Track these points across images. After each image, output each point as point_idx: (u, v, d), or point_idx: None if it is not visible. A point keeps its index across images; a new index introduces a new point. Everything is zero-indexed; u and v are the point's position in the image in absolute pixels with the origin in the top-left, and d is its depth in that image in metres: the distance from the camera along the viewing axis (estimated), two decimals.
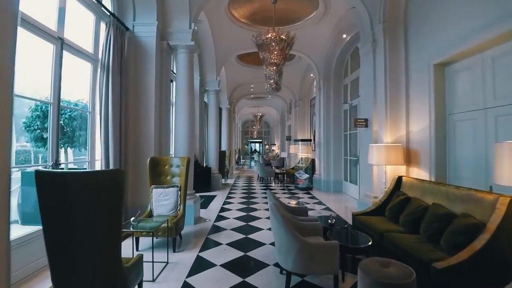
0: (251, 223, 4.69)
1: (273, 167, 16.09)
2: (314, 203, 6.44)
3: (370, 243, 2.70)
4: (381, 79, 4.72)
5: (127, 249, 3.40)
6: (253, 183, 9.67)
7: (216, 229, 4.38)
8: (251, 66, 11.09)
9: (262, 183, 9.61)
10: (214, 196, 7.09)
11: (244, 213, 5.36)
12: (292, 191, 8.16)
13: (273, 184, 9.41)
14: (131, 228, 2.88)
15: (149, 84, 4.52)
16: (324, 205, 6.23)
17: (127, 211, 4.33)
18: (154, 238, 3.44)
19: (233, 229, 4.35)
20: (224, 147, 11.61)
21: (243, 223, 4.69)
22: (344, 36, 7.15)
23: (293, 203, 6.49)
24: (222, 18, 7.00)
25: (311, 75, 10.66)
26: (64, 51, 3.37)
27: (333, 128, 8.12)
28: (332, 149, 8.10)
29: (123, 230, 2.87)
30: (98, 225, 1.70)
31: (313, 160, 8.99)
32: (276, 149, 23.59)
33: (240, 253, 3.39)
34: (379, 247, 3.08)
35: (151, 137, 4.47)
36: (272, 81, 6.65)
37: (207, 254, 3.36)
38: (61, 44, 3.31)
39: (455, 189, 2.98)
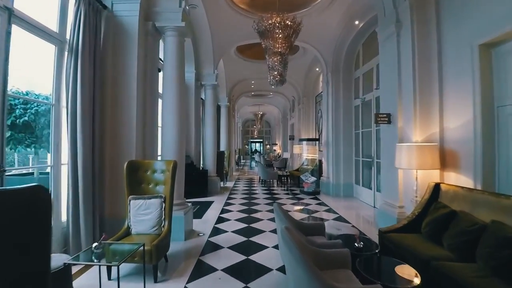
0: (253, 239, 3.94)
1: (275, 168, 15.37)
2: (324, 210, 5.69)
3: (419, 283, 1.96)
4: (407, 66, 3.97)
5: (92, 278, 2.67)
6: (255, 186, 8.93)
7: (211, 247, 3.64)
8: (251, 61, 10.35)
9: (264, 186, 8.87)
10: (211, 203, 6.34)
11: (244, 225, 4.62)
12: (297, 195, 7.41)
13: (276, 187, 8.67)
14: (93, 259, 2.14)
15: (130, 73, 3.78)
16: (336, 213, 5.48)
17: (104, 224, 3.61)
18: (137, 262, 2.71)
19: (232, 247, 3.61)
20: (223, 148, 10.87)
21: (243, 238, 3.94)
22: (357, 22, 6.39)
23: (297, 208, 5.75)
24: (220, 3, 6.25)
25: (317, 69, 9.92)
26: (15, 26, 2.65)
27: (343, 126, 7.37)
28: (341, 149, 7.35)
29: (76, 262, 2.14)
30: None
31: (319, 162, 8.24)
32: (277, 149, 22.83)
33: (240, 285, 2.64)
34: (424, 278, 2.34)
35: (132, 137, 3.73)
36: (276, 72, 5.91)
37: (197, 286, 2.62)
38: (8, 15, 2.57)
39: None
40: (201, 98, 8.26)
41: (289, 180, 9.45)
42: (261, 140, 31.98)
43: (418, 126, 3.83)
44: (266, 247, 3.60)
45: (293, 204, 6.39)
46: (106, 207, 3.68)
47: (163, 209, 3.04)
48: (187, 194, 6.78)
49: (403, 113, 4.08)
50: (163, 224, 3.02)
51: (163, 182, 3.19)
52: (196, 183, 6.88)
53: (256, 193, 7.62)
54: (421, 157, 3.39)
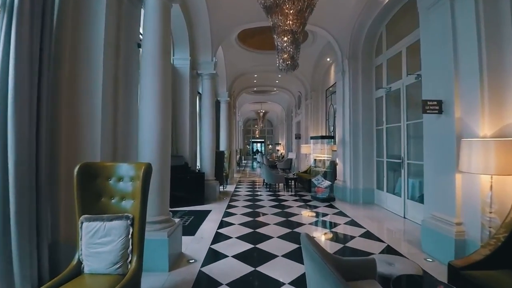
0: (261, 269, 2.93)
1: (279, 170, 14.38)
2: (345, 223, 4.69)
3: None
4: (468, 37, 2.97)
5: None
6: (258, 191, 7.93)
7: (204, 284, 2.64)
8: (254, 51, 9.38)
9: (269, 191, 7.87)
10: (208, 212, 5.35)
11: (249, 245, 3.62)
12: (309, 202, 6.40)
13: (283, 192, 7.67)
14: None
15: (95, 46, 2.79)
16: (360, 226, 4.48)
17: (57, 252, 2.61)
18: None
19: (232, 284, 2.61)
20: (222, 147, 9.88)
21: (249, 268, 2.94)
22: None
23: (308, 213, 4.75)
24: None
25: (328, 59, 8.92)
26: None
27: (362, 121, 6.36)
28: (360, 149, 6.34)
29: None
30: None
31: (333, 163, 7.24)
32: (281, 149, 21.83)
33: None
34: None
35: (96, 132, 2.73)
36: (286, 55, 4.91)
37: None
38: None
39: None
40: (199, 92, 7.28)
41: (296, 184, 8.45)
42: (263, 140, 31.00)
43: (486, 116, 2.83)
44: (283, 284, 2.60)
45: (309, 215, 5.39)
46: (60, 229, 2.68)
47: (129, 235, 2.05)
48: (179, 202, 5.84)
49: (462, 99, 3.07)
50: (129, 258, 2.03)
51: (132, 194, 2.19)
52: (191, 188, 5.89)
53: (260, 200, 6.62)
54: (504, 158, 2.39)
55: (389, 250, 3.48)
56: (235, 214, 5.23)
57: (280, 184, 8.30)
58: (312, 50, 8.78)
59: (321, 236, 4.13)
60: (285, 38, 4.77)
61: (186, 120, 6.24)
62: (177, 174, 5.63)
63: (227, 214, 5.22)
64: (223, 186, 8.18)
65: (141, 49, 3.34)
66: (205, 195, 6.18)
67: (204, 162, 6.57)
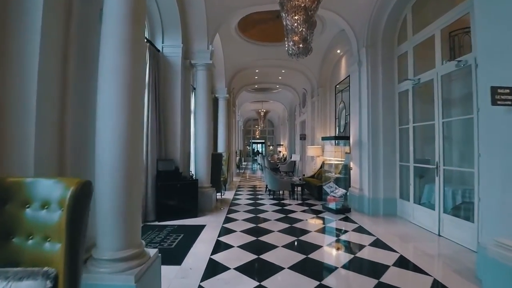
0: None
1: (282, 173, 13.50)
2: (370, 244, 3.80)
3: None
4: None
5: None
6: (261, 198, 7.05)
7: None
8: (255, 43, 8.53)
9: (273, 199, 7.00)
10: (201, 228, 4.47)
11: (253, 281, 2.74)
12: (320, 214, 5.53)
13: (289, 200, 6.80)
14: None
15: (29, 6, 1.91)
16: (391, 249, 3.59)
17: None
18: None
19: None
20: (221, 149, 9.02)
21: None
22: None
23: (323, 230, 3.87)
24: None
25: (338, 51, 8.07)
26: None
27: (383, 120, 5.50)
28: (381, 151, 5.48)
29: None
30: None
31: (346, 167, 6.36)
32: (283, 150, 20.96)
33: None
34: None
35: (28, 131, 1.85)
36: (297, 37, 4.04)
37: None
38: None
39: None
40: (193, 87, 6.41)
41: (303, 190, 7.58)
42: (264, 140, 30.14)
43: None
44: None
45: (320, 231, 4.51)
46: None
47: None
48: (168, 215, 4.87)
49: None
50: None
51: (55, 228, 1.30)
52: (182, 198, 5.02)
53: (264, 211, 5.73)
54: None
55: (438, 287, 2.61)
56: (234, 231, 4.35)
57: (285, 191, 7.43)
58: (321, 41, 7.92)
59: (347, 263, 3.25)
60: (296, 17, 3.90)
61: (177, 118, 5.37)
62: (165, 181, 4.77)
63: (224, 231, 4.34)
64: (221, 193, 7.31)
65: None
66: (199, 206, 5.30)
67: (198, 166, 5.69)
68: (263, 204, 6.30)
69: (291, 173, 13.26)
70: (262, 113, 20.00)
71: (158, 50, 5.28)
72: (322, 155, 8.75)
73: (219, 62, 8.81)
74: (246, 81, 12.14)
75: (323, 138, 6.49)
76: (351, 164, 6.13)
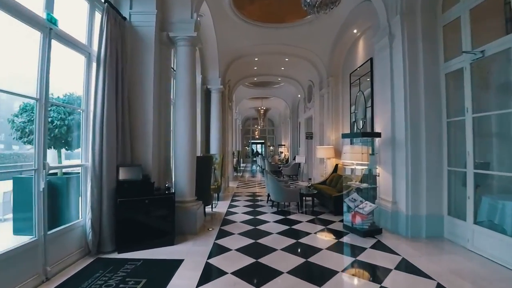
0: None
1: (284, 176, 12.14)
2: None
3: None
4: None
5: None
6: (262, 212, 5.66)
7: None
8: (254, 23, 7.18)
9: (277, 212, 5.62)
10: (176, 266, 3.08)
11: None
12: (341, 237, 4.16)
13: (297, 213, 5.43)
14: None
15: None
16: None
17: None
18: None
19: None
20: (214, 150, 7.67)
21: None
22: None
23: (351, 267, 2.51)
24: None
25: (354, 31, 6.72)
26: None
27: (426, 111, 4.15)
28: (423, 152, 4.12)
29: None
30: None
31: (369, 172, 4.98)
32: (284, 151, 19.59)
33: None
34: None
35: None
36: None
37: None
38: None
39: None
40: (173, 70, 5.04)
41: (313, 200, 6.20)
42: (263, 141, 28.76)
43: None
44: None
45: (355, 272, 3.14)
46: None
47: None
48: (133, 242, 3.37)
49: None
50: None
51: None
52: (153, 218, 3.66)
53: (267, 233, 4.34)
54: None
55: None
56: (225, 272, 2.96)
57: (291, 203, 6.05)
58: (332, 21, 6.56)
59: None
60: None
61: (148, 109, 4.01)
62: (128, 195, 3.43)
63: (208, 272, 2.96)
64: (213, 205, 5.94)
65: None
66: (178, 228, 3.93)
67: (178, 174, 4.30)
68: (265, 222, 4.91)
69: (295, 177, 11.90)
70: (262, 111, 18.64)
71: (124, 18, 3.92)
72: (334, 156, 7.40)
73: (211, 47, 7.46)
74: (244, 73, 10.78)
75: (344, 136, 5.11)
76: (379, 169, 4.76)
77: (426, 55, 4.20)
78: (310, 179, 10.97)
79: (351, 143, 6.72)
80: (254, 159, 25.70)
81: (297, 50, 8.37)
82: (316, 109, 9.13)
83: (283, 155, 19.50)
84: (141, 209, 3.56)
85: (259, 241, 3.89)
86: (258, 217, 5.22)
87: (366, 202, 4.33)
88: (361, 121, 6.55)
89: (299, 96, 13.95)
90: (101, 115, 3.43)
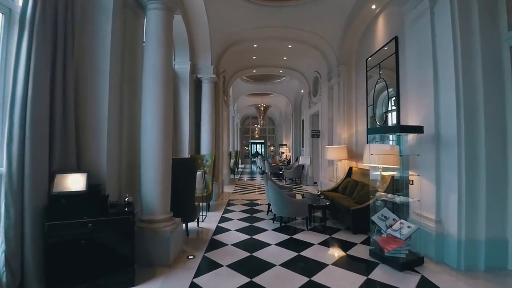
0: None
1: (286, 180, 11.06)
2: None
3: None
4: None
5: None
6: (261, 229, 4.54)
7: None
8: (254, 1, 6.09)
9: (280, 228, 4.51)
10: None
11: None
12: (370, 271, 3.05)
13: (305, 230, 4.35)
14: None
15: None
16: None
17: None
18: None
19: None
20: (206, 150, 6.60)
21: None
22: None
23: None
24: None
25: (372, 6, 5.61)
26: None
27: (485, 96, 3.06)
28: (483, 154, 3.03)
29: None
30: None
31: (392, 178, 3.88)
32: (286, 151, 18.50)
33: None
34: None
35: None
36: None
37: None
38: None
39: None
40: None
41: (324, 213, 5.09)
42: (263, 141, 27.66)
43: None
44: None
45: None
46: None
47: None
48: (70, 283, 2.16)
49: None
50: None
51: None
52: (99, 248, 2.55)
53: (268, 264, 3.20)
54: None
55: None
56: None
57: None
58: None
59: None
60: None
61: (103, 99, 2.92)
62: (68, 214, 2.36)
63: None
64: (201, 217, 4.86)
65: None
66: (143, 258, 2.84)
67: (145, 183, 3.17)
68: (265, 244, 3.79)
69: (299, 180, 10.80)
70: (262, 108, 17.55)
71: None
72: (347, 158, 6.31)
73: (201, 29, 6.38)
74: (242, 63, 9.69)
75: (372, 131, 4.02)
76: (413, 176, 3.66)
77: (484, 22, 3.11)
78: (315, 183, 9.88)
79: (367, 141, 5.65)
80: (254, 159, 24.62)
81: (302, 34, 7.27)
82: (324, 103, 8.03)
83: (284, 155, 18.40)
84: (83, 235, 2.47)
85: (257, 280, 2.77)
86: (256, 236, 4.11)
87: (402, 221, 3.23)
88: (381, 116, 5.47)
89: (302, 91, 12.88)
90: (22, 100, 2.34)
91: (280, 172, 12.14)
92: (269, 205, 5.35)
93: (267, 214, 5.39)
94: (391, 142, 4.34)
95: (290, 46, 8.01)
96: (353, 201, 4.78)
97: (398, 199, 3.34)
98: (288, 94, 15.05)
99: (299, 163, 10.41)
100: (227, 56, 8.02)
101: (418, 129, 3.26)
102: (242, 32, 7.22)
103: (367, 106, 6.01)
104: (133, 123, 3.40)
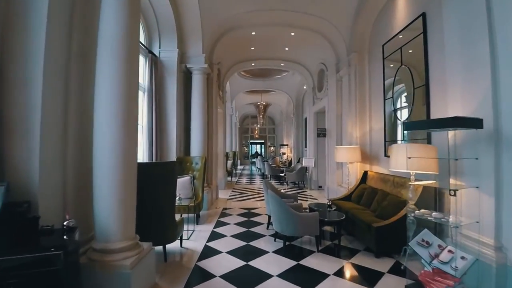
0: None
1: (288, 184, 10.22)
2: None
3: None
4: None
5: None
6: (261, 251, 3.68)
7: None
8: None
9: (283, 250, 3.65)
10: None
11: None
12: None
13: (317, 259, 3.52)
14: None
15: None
16: None
17: None
18: None
19: None
20: (196, 151, 5.79)
21: None
22: None
23: None
24: None
25: None
26: None
27: None
28: None
29: None
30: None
31: (424, 188, 3.04)
32: (287, 152, 17.66)
33: None
34: None
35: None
36: None
37: None
38: None
39: None
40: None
41: (339, 231, 4.24)
42: (263, 141, 26.81)
43: None
44: None
45: None
46: None
47: None
48: None
49: None
50: None
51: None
52: None
53: None
54: None
55: None
56: None
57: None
58: None
59: None
60: None
61: (34, 77, 2.08)
62: None
63: None
64: (186, 234, 4.03)
65: None
66: None
67: (98, 198, 2.33)
68: (265, 276, 2.92)
69: (302, 184, 9.95)
70: (261, 106, 16.71)
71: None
72: (361, 160, 5.48)
73: (191, 12, 5.57)
74: (239, 55, 8.85)
75: (411, 125, 3.11)
76: (456, 185, 2.81)
77: None
78: (320, 187, 9.04)
79: (385, 140, 4.85)
80: (253, 160, 23.77)
81: (306, 19, 6.44)
82: (332, 98, 7.19)
83: (285, 156, 17.56)
84: None
85: None
86: (254, 262, 3.26)
87: (450, 248, 2.39)
88: (401, 112, 4.64)
89: (304, 87, 12.07)
90: None
91: (281, 175, 11.29)
92: (269, 217, 4.51)
93: (267, 228, 4.54)
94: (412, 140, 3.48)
95: (292, 33, 7.17)
96: (372, 214, 3.94)
97: (451, 220, 2.48)
98: (289, 91, 14.20)
99: (302, 165, 9.56)
100: (222, 45, 7.19)
101: (475, 123, 2.40)
102: (238, 17, 6.39)
103: (384, 99, 5.17)
104: (85, 117, 2.55)
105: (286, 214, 3.44)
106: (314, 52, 8.05)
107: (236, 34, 7.08)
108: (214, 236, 4.20)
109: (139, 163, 2.60)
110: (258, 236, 4.22)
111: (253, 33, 7.20)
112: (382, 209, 3.79)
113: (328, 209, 4.34)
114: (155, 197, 2.96)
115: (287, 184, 10.11)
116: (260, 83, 14.01)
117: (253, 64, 9.64)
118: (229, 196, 7.97)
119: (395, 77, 4.82)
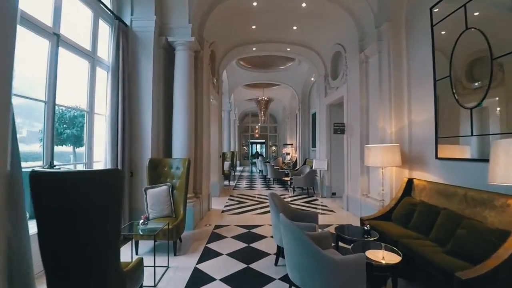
0: None
1: (295, 190, 8.88)
2: None
3: None
4: None
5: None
6: None
7: None
8: None
9: None
10: None
11: None
12: None
13: None
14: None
15: None
16: None
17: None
18: None
19: None
20: (179, 153, 4.45)
21: None
22: None
23: None
24: None
25: None
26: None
27: None
28: None
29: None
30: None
31: None
32: (291, 152, 16.30)
33: None
34: None
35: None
36: None
37: None
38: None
39: None
40: None
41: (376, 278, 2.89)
42: (264, 140, 25.46)
43: None
44: None
45: None
46: None
47: None
48: None
49: None
50: None
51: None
52: None
53: None
54: None
55: None
56: None
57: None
58: None
59: None
60: None
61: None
62: None
63: None
64: (158, 274, 2.71)
65: None
66: None
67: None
68: None
69: (311, 190, 8.60)
70: (262, 102, 15.37)
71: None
72: (401, 164, 4.15)
73: None
74: (237, 36, 7.51)
75: None
76: None
77: None
78: (334, 194, 7.71)
79: (436, 137, 3.57)
80: (254, 160, 22.40)
81: None
82: (353, 85, 5.84)
83: (289, 157, 16.21)
84: None
85: None
86: None
87: None
88: (477, 91, 3.28)
89: (312, 79, 10.78)
90: None
91: (286, 179, 9.94)
92: (278, 248, 3.17)
93: (276, 264, 3.20)
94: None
95: (304, 4, 5.83)
96: (436, 246, 2.60)
97: None
98: (294, 84, 12.85)
99: (313, 168, 8.22)
100: (217, 21, 5.86)
101: None
102: None
103: (434, 81, 3.82)
104: None
105: (312, 259, 2.07)
106: (329, 30, 6.71)
107: (233, 5, 5.75)
108: (196, 279, 2.85)
109: (43, 172, 1.27)
110: (263, 280, 2.86)
111: (254, 3, 5.86)
112: (458, 242, 2.45)
113: (364, 235, 3.01)
114: (86, 232, 1.63)
115: (293, 190, 8.78)
116: (262, 75, 12.70)
117: (254, 48, 8.29)
118: (225, 206, 6.62)
119: (454, 47, 3.48)
